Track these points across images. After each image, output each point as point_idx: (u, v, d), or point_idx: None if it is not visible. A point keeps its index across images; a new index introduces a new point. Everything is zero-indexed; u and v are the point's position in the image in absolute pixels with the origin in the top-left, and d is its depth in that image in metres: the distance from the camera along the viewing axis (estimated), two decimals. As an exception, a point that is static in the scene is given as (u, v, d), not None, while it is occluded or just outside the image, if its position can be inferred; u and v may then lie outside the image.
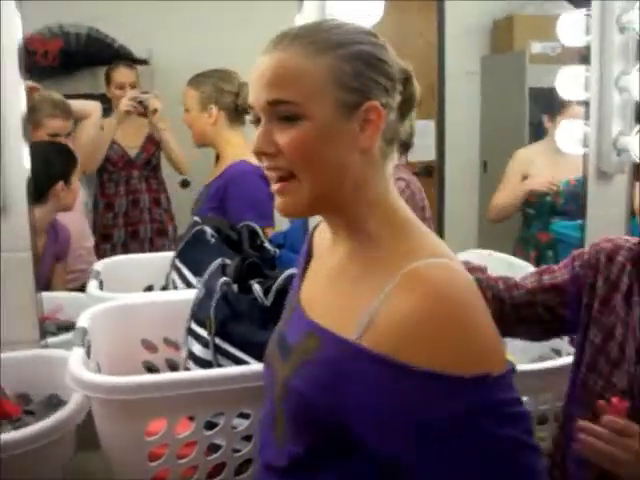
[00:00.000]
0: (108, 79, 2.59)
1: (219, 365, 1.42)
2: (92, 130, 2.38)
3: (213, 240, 1.82)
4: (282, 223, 2.09)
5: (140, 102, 2.44)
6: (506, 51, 3.29)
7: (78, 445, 1.41)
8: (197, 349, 1.45)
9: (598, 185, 1.99)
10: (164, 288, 1.91)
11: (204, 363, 1.43)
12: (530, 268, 1.81)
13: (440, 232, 3.59)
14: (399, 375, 0.81)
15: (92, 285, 1.79)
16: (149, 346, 1.67)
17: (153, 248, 2.57)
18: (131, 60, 2.67)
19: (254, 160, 0.97)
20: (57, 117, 2.19)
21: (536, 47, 3.13)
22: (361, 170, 0.92)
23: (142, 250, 2.53)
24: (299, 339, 0.97)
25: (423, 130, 3.58)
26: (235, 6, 2.56)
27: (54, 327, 1.82)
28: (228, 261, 1.55)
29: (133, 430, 1.30)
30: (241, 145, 2.20)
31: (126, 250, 2.50)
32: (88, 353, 1.41)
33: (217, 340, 1.42)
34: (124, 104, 2.43)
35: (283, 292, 1.40)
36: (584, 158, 1.97)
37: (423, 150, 3.39)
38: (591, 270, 1.27)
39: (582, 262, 1.28)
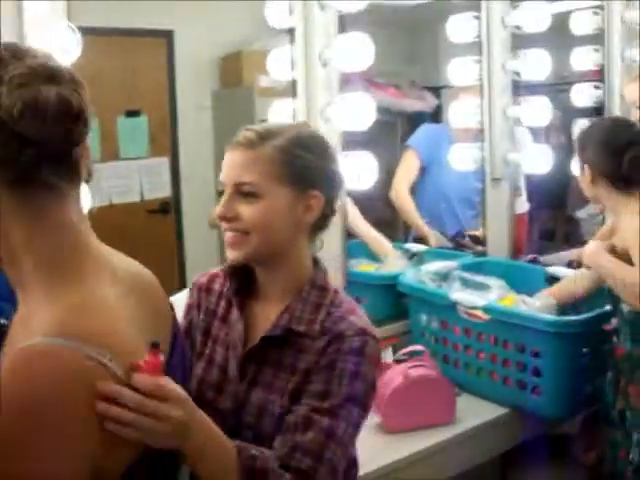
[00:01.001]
0: None
1: None
2: None
3: None
4: None
5: None
6: (236, 85, 3.38)
7: None
8: None
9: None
10: None
11: None
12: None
13: (181, 269, 3.60)
14: None
15: None
16: None
17: None
18: None
19: None
20: None
21: (263, 80, 3.23)
22: None
23: None
24: None
25: (158, 167, 3.59)
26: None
27: None
28: None
29: None
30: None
31: None
32: None
33: None
34: None
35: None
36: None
37: (158, 187, 3.37)
38: (196, 310, 1.27)
39: (188, 310, 1.29)
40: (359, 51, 1.94)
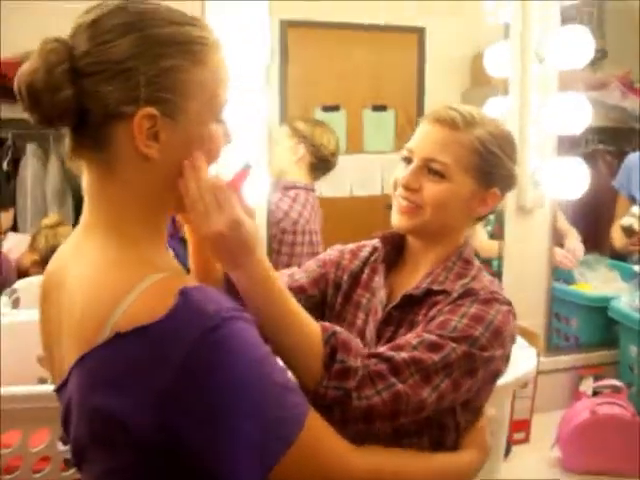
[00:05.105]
0: None
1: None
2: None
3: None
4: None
5: None
6: (486, 84, 3.26)
7: None
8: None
9: (518, 219, 1.95)
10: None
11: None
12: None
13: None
14: None
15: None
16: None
17: None
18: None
19: None
20: None
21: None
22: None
23: None
24: None
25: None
26: None
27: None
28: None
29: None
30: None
31: None
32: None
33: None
34: None
35: None
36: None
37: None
38: (334, 267, 1.25)
39: (324, 262, 1.26)
40: (578, 46, 1.76)
